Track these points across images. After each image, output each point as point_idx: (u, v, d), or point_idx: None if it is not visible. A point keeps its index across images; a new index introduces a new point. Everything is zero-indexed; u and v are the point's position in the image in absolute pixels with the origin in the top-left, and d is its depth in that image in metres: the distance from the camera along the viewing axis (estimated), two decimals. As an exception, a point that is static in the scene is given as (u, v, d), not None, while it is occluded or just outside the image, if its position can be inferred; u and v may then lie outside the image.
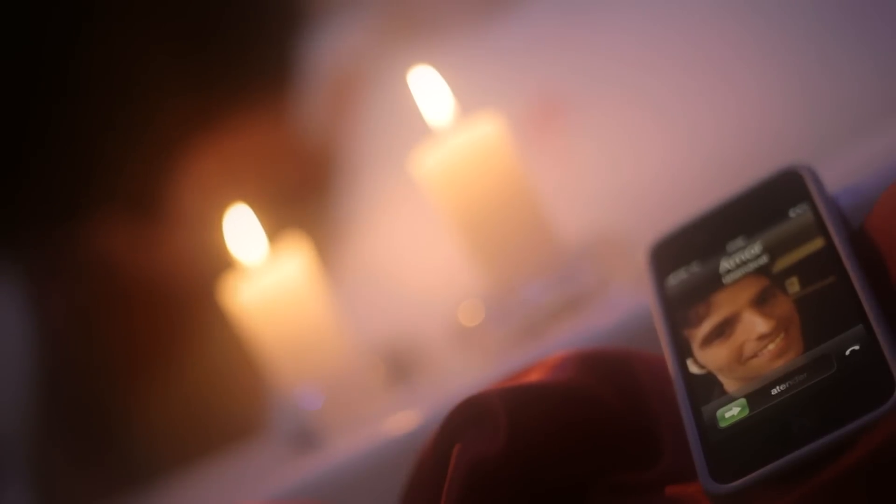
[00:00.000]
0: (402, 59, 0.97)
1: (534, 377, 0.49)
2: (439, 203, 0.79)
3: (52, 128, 1.25)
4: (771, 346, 0.45)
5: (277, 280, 0.83)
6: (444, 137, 0.78)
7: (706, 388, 0.45)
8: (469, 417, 0.47)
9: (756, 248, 0.50)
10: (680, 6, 0.97)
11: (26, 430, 1.32)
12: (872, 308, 0.43)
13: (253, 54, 1.26)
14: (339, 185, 1.18)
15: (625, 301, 0.71)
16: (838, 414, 0.41)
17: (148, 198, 1.24)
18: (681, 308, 0.50)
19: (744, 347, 0.46)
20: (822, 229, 0.48)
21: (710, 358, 0.47)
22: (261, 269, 0.84)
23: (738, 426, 0.43)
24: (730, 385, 0.45)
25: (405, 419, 0.70)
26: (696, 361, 0.47)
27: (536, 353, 0.59)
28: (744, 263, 0.50)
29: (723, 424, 0.44)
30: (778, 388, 0.43)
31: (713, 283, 0.50)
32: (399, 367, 0.93)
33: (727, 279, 0.50)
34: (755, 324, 0.46)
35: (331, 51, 1.22)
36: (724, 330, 0.47)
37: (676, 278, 0.52)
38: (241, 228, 0.85)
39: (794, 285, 0.47)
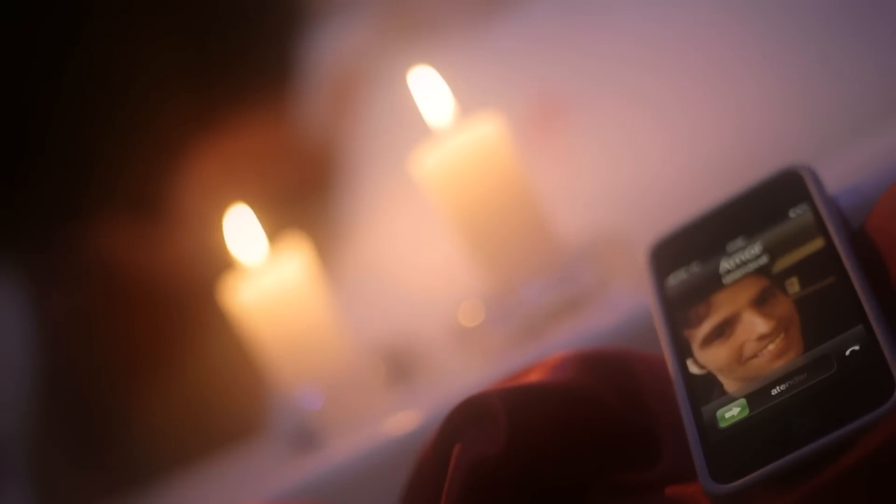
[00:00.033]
0: (402, 59, 0.97)
1: (534, 377, 0.49)
2: (439, 203, 0.79)
3: (53, 128, 1.25)
4: (771, 347, 0.45)
5: (277, 280, 0.83)
6: (444, 137, 0.78)
7: (706, 389, 0.46)
8: (469, 417, 0.47)
9: (756, 249, 0.50)
10: (680, 7, 0.97)
11: (26, 430, 1.32)
12: (872, 308, 0.43)
13: (253, 54, 1.26)
14: (339, 186, 1.18)
15: (625, 301, 0.71)
16: (838, 414, 0.41)
17: (148, 198, 1.24)
18: (681, 308, 0.50)
19: (744, 348, 0.46)
20: (822, 229, 0.48)
21: (710, 358, 0.47)
22: (261, 270, 0.84)
23: (738, 426, 0.43)
24: (730, 385, 0.45)
25: (405, 419, 0.70)
26: (696, 362, 0.47)
27: (536, 354, 0.59)
28: (744, 264, 0.50)
29: (723, 425, 0.44)
30: (778, 388, 0.43)
31: (713, 284, 0.50)
32: (399, 367, 0.93)
33: (727, 279, 0.50)
34: (755, 324, 0.46)
35: (331, 51, 1.22)
36: (724, 330, 0.47)
37: (676, 278, 0.52)
38: (242, 228, 0.85)
39: (794, 285, 0.47)
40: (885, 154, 0.66)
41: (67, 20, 1.24)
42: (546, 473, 0.47)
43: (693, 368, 0.47)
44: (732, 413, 0.44)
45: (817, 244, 0.48)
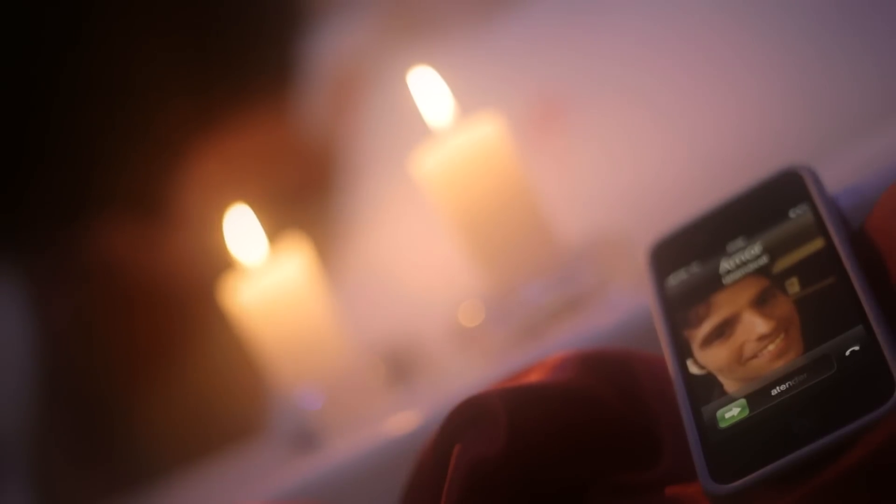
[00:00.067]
0: (402, 59, 0.97)
1: (534, 378, 0.49)
2: (439, 203, 0.79)
3: (53, 129, 1.25)
4: (771, 347, 0.45)
5: (277, 280, 0.83)
6: (445, 138, 0.78)
7: (706, 389, 0.46)
8: (469, 418, 0.47)
9: (756, 249, 0.50)
10: (680, 7, 0.97)
11: (26, 430, 1.32)
12: (872, 308, 0.43)
13: (253, 54, 1.26)
14: (339, 186, 1.18)
15: (625, 301, 0.71)
16: (838, 414, 0.41)
17: (148, 198, 1.24)
18: (681, 308, 0.50)
19: (744, 348, 0.46)
20: (822, 230, 0.48)
21: (710, 358, 0.47)
22: (261, 270, 0.84)
23: (739, 426, 0.43)
24: (730, 385, 0.45)
25: (405, 419, 0.70)
26: (696, 362, 0.47)
27: (536, 354, 0.59)
28: (744, 264, 0.50)
29: (723, 425, 0.44)
30: (778, 388, 0.43)
31: (713, 284, 0.50)
32: (399, 367, 0.93)
33: (727, 280, 0.50)
34: (755, 324, 0.46)
35: (331, 50, 1.22)
36: (724, 330, 0.47)
37: (676, 279, 0.52)
38: (242, 229, 0.85)
39: (794, 286, 0.47)
40: (885, 154, 0.66)
41: (67, 20, 1.24)
42: (546, 474, 0.47)
43: (693, 369, 0.47)
44: (732, 413, 0.44)
45: (817, 244, 0.48)
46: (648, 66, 0.96)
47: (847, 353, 0.43)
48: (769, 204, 0.51)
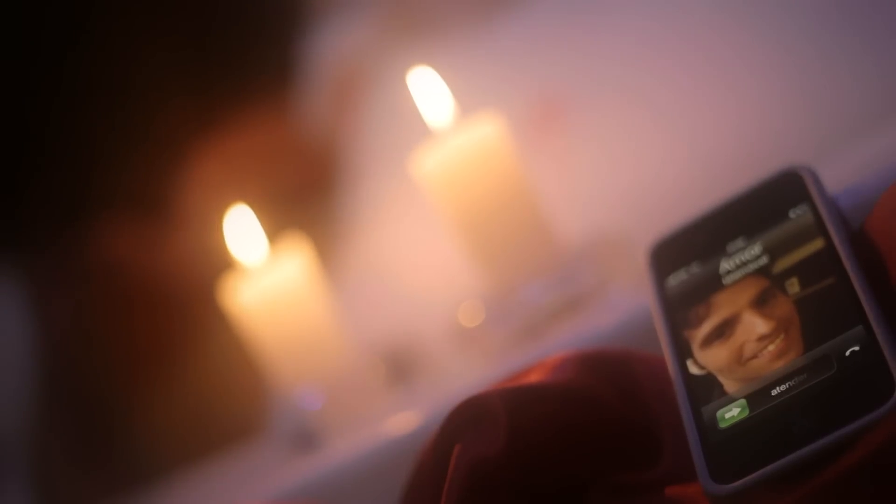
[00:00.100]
0: (402, 59, 0.97)
1: (534, 378, 0.49)
2: (439, 204, 0.79)
3: (53, 129, 1.25)
4: (771, 347, 0.45)
5: (277, 280, 0.83)
6: (445, 138, 0.78)
7: (706, 389, 0.46)
8: (469, 418, 0.47)
9: (756, 249, 0.50)
10: (680, 7, 0.97)
11: (26, 430, 1.32)
12: (872, 309, 0.43)
13: (253, 54, 1.26)
14: (339, 186, 1.18)
15: (625, 301, 0.71)
16: (838, 414, 0.41)
17: (149, 198, 1.24)
18: (681, 309, 0.50)
19: (744, 348, 0.46)
20: (822, 230, 0.48)
21: (710, 359, 0.47)
22: (261, 270, 0.84)
23: (739, 427, 0.43)
24: (730, 386, 0.45)
25: (405, 419, 0.70)
26: (696, 362, 0.47)
27: (536, 354, 0.59)
28: (744, 264, 0.50)
29: (723, 425, 0.44)
30: (778, 388, 0.43)
31: (713, 284, 0.50)
32: (399, 367, 0.93)
33: (727, 280, 0.50)
34: (755, 324, 0.46)
35: (331, 50, 1.22)
36: (724, 331, 0.47)
37: (676, 279, 0.52)
38: (242, 229, 0.85)
39: (794, 286, 0.47)
40: (885, 154, 0.66)
41: (67, 20, 1.24)
42: (546, 474, 0.47)
43: (693, 369, 0.47)
44: (732, 413, 0.44)
45: (817, 244, 0.48)
46: (648, 66, 0.96)
47: (847, 353, 0.43)
48: (769, 204, 0.51)
